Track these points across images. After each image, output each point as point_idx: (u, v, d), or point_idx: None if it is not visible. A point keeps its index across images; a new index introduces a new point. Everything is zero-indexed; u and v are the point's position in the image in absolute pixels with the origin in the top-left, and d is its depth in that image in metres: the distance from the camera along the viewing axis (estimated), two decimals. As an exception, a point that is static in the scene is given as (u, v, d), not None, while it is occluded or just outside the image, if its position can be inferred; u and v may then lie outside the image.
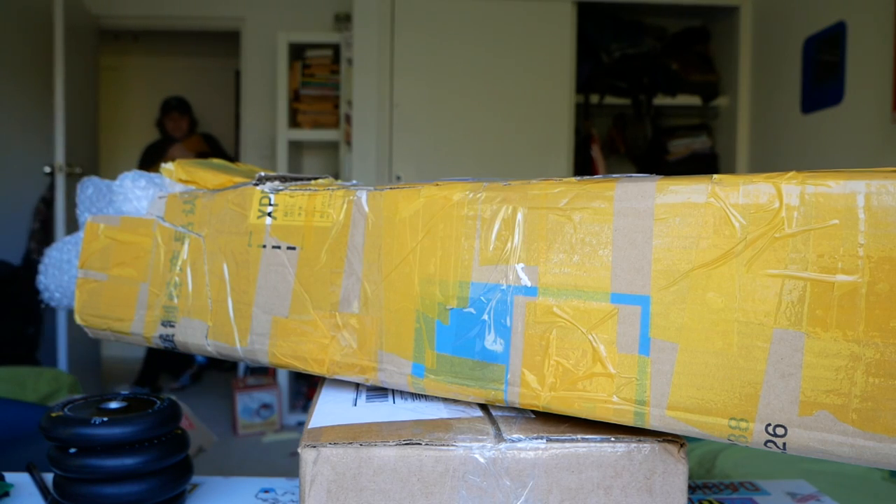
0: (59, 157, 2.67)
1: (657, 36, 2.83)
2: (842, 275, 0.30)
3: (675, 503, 0.36)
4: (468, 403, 0.42)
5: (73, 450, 0.50)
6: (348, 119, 2.61)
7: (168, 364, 3.45)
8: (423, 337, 0.41)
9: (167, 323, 0.52)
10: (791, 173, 0.31)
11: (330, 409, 0.42)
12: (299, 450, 0.36)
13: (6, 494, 0.56)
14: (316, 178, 0.51)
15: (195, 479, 0.59)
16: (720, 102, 2.71)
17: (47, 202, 2.98)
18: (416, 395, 0.43)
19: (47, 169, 2.82)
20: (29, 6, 2.93)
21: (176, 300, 0.52)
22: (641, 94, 2.71)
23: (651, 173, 0.36)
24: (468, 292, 0.39)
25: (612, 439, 0.36)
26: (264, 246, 0.48)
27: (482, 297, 0.39)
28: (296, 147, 3.04)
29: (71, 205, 2.69)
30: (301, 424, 2.73)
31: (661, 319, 0.34)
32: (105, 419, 0.50)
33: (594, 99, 2.72)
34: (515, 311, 0.38)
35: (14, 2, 2.85)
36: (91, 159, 3.04)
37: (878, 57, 1.82)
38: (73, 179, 2.74)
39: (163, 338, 0.53)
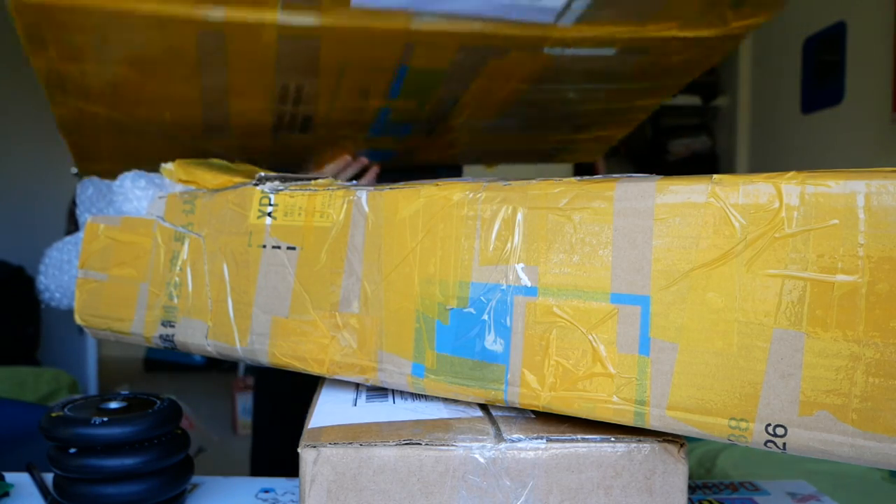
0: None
1: (657, 36, 2.82)
2: (842, 275, 0.30)
3: (675, 503, 0.36)
4: (468, 403, 0.42)
5: (73, 450, 0.50)
6: (348, 119, 2.60)
7: None
8: (423, 337, 0.41)
9: (167, 323, 0.52)
10: (791, 173, 0.31)
11: (330, 409, 0.42)
12: (299, 450, 0.36)
13: (6, 494, 0.56)
14: (316, 178, 0.51)
15: (195, 479, 0.59)
16: (720, 102, 2.70)
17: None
18: (416, 395, 0.43)
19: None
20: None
21: (176, 300, 0.52)
22: (641, 94, 2.71)
23: (651, 173, 0.36)
24: (468, 292, 0.39)
25: (612, 439, 0.36)
26: (264, 246, 0.48)
27: (482, 297, 0.39)
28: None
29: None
30: (301, 424, 2.72)
31: (661, 319, 0.34)
32: (105, 419, 0.50)
33: (594, 99, 2.71)
34: (515, 311, 0.38)
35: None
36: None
37: (878, 57, 1.82)
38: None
39: (163, 338, 0.53)
